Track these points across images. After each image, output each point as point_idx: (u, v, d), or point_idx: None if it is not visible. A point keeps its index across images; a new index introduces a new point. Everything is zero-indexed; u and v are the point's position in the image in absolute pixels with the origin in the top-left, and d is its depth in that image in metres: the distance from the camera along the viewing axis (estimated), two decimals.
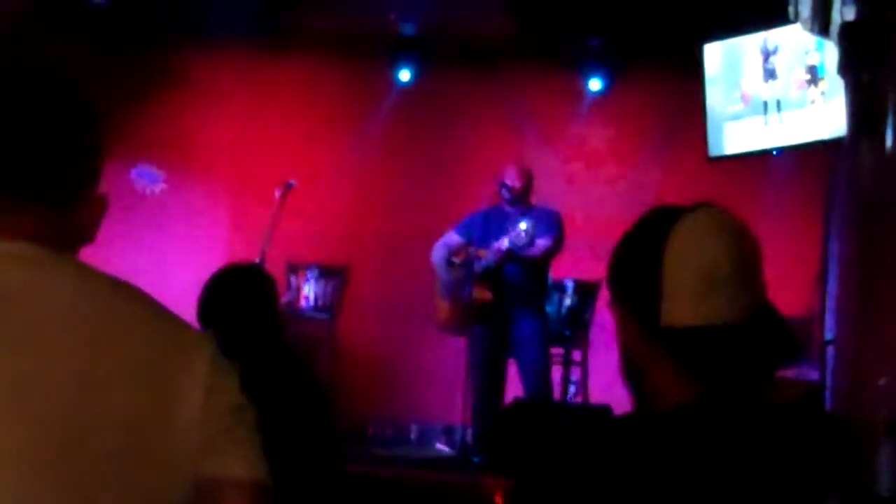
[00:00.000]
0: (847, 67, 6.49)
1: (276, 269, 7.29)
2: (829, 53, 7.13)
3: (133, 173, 9.40)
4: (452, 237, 8.47)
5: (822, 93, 7.64)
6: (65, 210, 1.75)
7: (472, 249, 8.28)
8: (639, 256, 1.96)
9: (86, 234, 1.79)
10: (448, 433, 9.27)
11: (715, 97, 8.45)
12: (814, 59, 7.66)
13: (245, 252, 8.67)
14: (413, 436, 9.63)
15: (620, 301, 2.00)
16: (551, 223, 8.10)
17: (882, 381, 8.37)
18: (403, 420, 9.74)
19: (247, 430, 1.74)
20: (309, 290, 9.43)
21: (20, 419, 1.57)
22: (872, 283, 8.89)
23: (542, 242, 7.93)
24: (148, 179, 9.35)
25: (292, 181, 8.89)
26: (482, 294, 8.21)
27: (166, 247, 9.91)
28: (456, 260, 8.44)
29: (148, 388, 1.65)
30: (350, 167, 10.14)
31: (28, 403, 1.58)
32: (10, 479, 1.55)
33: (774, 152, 8.48)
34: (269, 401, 1.91)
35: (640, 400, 2.00)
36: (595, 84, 10.08)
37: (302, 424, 4.10)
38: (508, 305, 8.17)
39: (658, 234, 1.93)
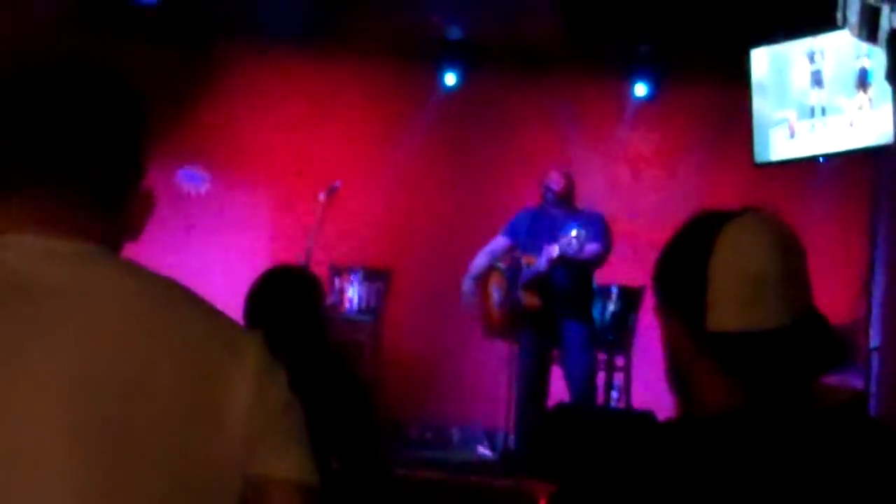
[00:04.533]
0: (895, 74, 6.45)
1: (320, 271, 7.30)
2: (877, 59, 7.09)
3: (179, 174, 9.47)
4: (499, 241, 8.48)
5: (870, 99, 7.60)
6: (115, 207, 1.76)
7: (519, 255, 8.29)
8: (685, 261, 1.95)
9: (132, 231, 1.80)
10: (490, 437, 9.27)
11: (761, 103, 8.43)
12: (863, 64, 7.63)
13: (289, 254, 8.69)
14: (455, 439, 9.63)
15: (666, 306, 2.00)
16: (600, 228, 8.08)
17: None
18: (445, 424, 9.75)
19: (295, 430, 1.75)
20: (353, 293, 9.44)
21: (75, 418, 1.58)
22: None
23: (591, 248, 7.90)
24: (193, 180, 9.42)
25: (337, 183, 8.91)
26: (531, 300, 8.20)
27: (210, 248, 9.95)
28: (502, 265, 8.45)
29: (199, 386, 1.66)
30: (395, 170, 10.15)
31: (83, 403, 1.59)
32: (65, 478, 1.56)
33: (821, 159, 8.44)
34: (314, 401, 1.92)
35: (685, 405, 2.00)
36: (641, 89, 10.05)
37: (347, 425, 4.12)
38: (556, 311, 8.16)
39: (704, 239, 1.92)
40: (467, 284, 8.56)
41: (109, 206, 1.75)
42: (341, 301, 9.38)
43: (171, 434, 1.62)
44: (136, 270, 1.73)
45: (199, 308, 1.75)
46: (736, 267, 1.89)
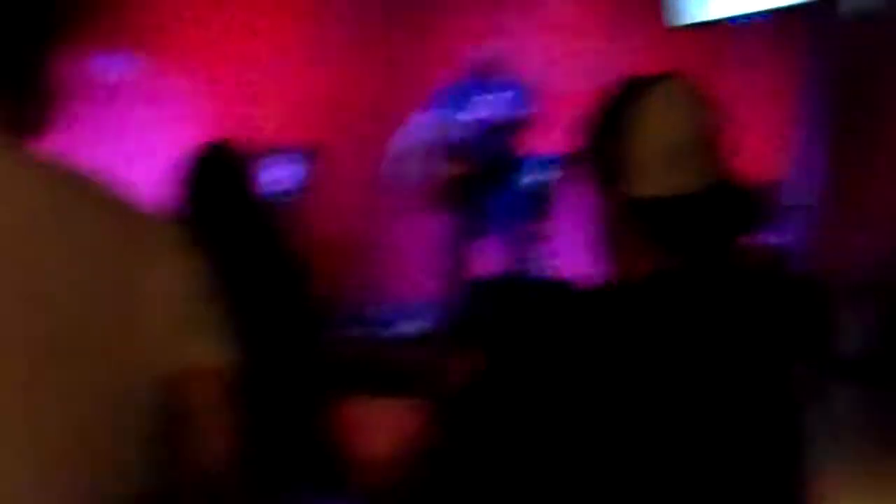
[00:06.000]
0: None
1: (248, 152, 7.24)
2: None
3: (95, 59, 9.31)
4: (424, 115, 8.45)
5: None
6: (22, 94, 1.68)
7: (444, 125, 8.27)
8: (607, 129, 1.97)
9: (35, 124, 1.71)
10: (422, 311, 9.31)
11: None
12: None
13: (213, 138, 8.60)
14: (385, 315, 9.66)
15: (590, 174, 2.01)
16: (522, 95, 8.09)
17: (854, 245, 8.45)
18: (374, 300, 9.77)
19: (214, 318, 1.73)
20: (279, 173, 9.39)
21: None
22: (844, 147, 8.94)
23: (512, 115, 7.92)
24: (116, 65, 9.27)
25: (260, 66, 8.85)
26: (455, 169, 8.20)
27: (132, 135, 9.83)
28: (427, 138, 8.43)
29: (113, 280, 1.62)
30: (319, 46, 10.04)
31: None
32: None
33: (742, 19, 8.45)
34: (253, 282, 1.91)
35: (611, 272, 2.02)
36: None
37: (285, 308, 4.11)
38: (483, 179, 8.18)
39: (625, 107, 1.94)
40: (394, 161, 8.55)
41: (9, 94, 1.66)
42: (268, 181, 9.32)
43: (85, 333, 1.59)
44: (39, 163, 1.66)
45: (110, 202, 1.70)
46: (657, 133, 1.90)
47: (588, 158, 2.02)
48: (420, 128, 8.45)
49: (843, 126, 8.78)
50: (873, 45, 8.51)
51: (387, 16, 10.11)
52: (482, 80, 8.19)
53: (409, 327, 9.09)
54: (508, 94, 7.85)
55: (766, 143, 9.22)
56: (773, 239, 8.30)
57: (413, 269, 9.43)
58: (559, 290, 2.02)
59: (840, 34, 8.43)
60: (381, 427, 1.87)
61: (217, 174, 4.22)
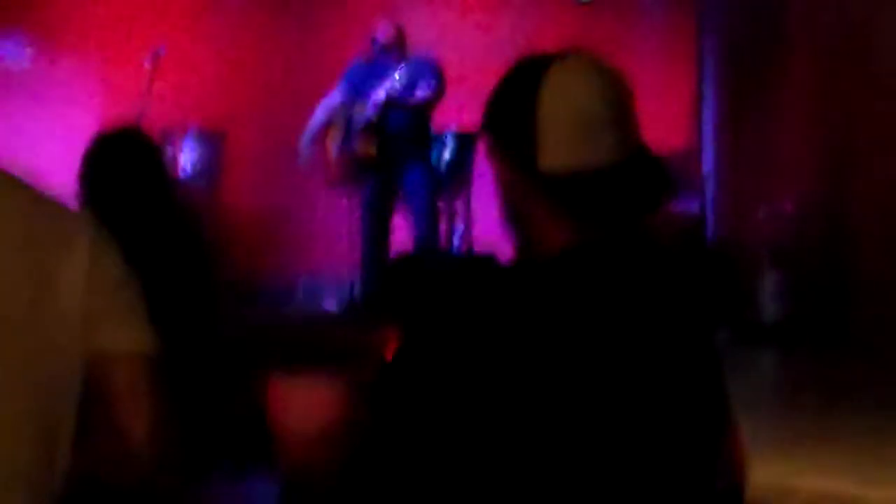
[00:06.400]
0: None
1: (153, 136, 7.18)
2: None
3: None
4: (333, 96, 8.43)
5: None
6: None
7: (352, 104, 8.25)
8: (513, 104, 1.96)
9: None
10: (339, 288, 9.29)
11: None
12: None
13: (117, 123, 8.51)
14: (301, 294, 9.64)
15: (498, 150, 2.00)
16: (429, 71, 8.09)
17: (762, 213, 8.54)
18: (291, 279, 9.74)
19: (131, 305, 1.73)
20: (187, 157, 9.32)
21: None
22: (748, 116, 9.02)
23: (420, 90, 7.93)
24: (12, 54, 9.15)
25: (161, 49, 8.76)
26: (366, 148, 8.20)
27: (34, 122, 9.71)
28: (337, 118, 8.41)
29: (28, 271, 1.62)
30: (221, 32, 9.98)
31: None
32: None
33: None
34: (161, 267, 1.91)
35: (523, 247, 2.02)
36: None
37: (190, 294, 4.08)
38: (393, 157, 8.17)
39: (531, 81, 1.93)
40: (304, 142, 8.53)
41: None
42: (175, 166, 9.24)
43: (10, 330, 1.59)
44: None
45: (18, 191, 1.70)
46: (563, 107, 1.90)
47: (496, 133, 2.02)
48: (329, 107, 8.43)
49: (740, 95, 8.88)
50: (767, 14, 8.61)
51: None
52: (388, 57, 8.18)
53: (328, 304, 9.09)
54: (414, 71, 7.86)
55: (672, 115, 9.29)
56: (684, 208, 8.38)
57: (330, 246, 9.40)
58: (474, 265, 2.03)
59: (734, 4, 8.52)
60: (304, 404, 1.87)
61: (123, 159, 4.16)
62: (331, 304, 9.12)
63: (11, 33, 9.43)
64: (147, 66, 8.68)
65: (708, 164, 9.23)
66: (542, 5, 9.85)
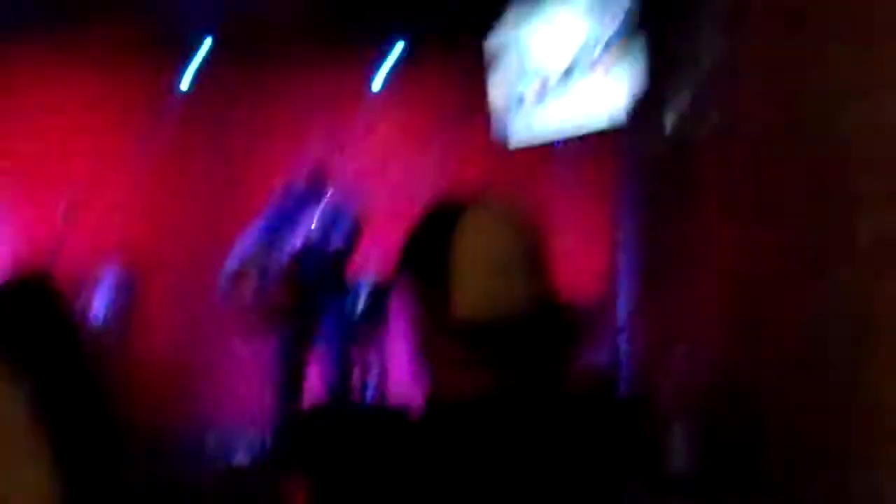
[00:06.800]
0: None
1: (64, 284, 7.13)
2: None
3: None
4: (247, 240, 8.40)
5: (608, 71, 7.78)
6: None
7: (266, 252, 8.23)
8: (427, 250, 1.97)
9: None
10: (248, 441, 9.18)
11: (500, 89, 8.56)
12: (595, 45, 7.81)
13: (28, 267, 8.45)
14: (211, 445, 9.51)
15: (411, 294, 2.00)
16: (346, 219, 8.10)
17: (677, 353, 8.59)
18: (202, 429, 9.62)
19: (34, 446, 1.69)
20: (99, 301, 9.25)
21: None
22: (662, 266, 9.11)
23: (336, 240, 7.93)
24: None
25: (73, 200, 8.75)
26: (280, 297, 8.16)
27: None
28: (251, 264, 8.37)
29: None
30: (136, 175, 9.97)
31: None
32: None
33: (556, 143, 8.62)
34: (63, 417, 1.86)
35: (434, 393, 2.00)
36: (377, 82, 10.16)
37: (92, 442, 4.00)
38: (309, 305, 8.14)
39: (445, 227, 1.94)
40: (223, 285, 8.48)
41: None
42: (87, 312, 9.17)
43: None
44: None
45: None
46: (476, 253, 1.90)
47: (409, 278, 2.01)
48: (244, 253, 8.39)
49: (654, 247, 8.98)
50: (684, 167, 8.74)
51: (209, 135, 10.13)
52: (306, 201, 8.19)
53: (238, 457, 8.97)
54: (332, 218, 7.87)
55: (589, 262, 9.36)
56: (598, 358, 8.41)
57: (243, 393, 9.31)
58: (386, 415, 2.02)
59: (651, 156, 8.64)
60: None
61: (27, 305, 4.12)
62: (241, 458, 9.00)
63: None
64: (61, 218, 8.65)
65: (622, 313, 9.28)
66: (463, 147, 9.94)
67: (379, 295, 8.83)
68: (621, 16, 7.24)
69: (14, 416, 1.68)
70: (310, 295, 8.14)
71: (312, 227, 7.81)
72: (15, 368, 1.73)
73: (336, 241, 7.95)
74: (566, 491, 1.89)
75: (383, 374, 8.88)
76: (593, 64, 7.90)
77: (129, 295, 9.40)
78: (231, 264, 8.43)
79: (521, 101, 8.43)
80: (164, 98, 10.13)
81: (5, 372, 1.70)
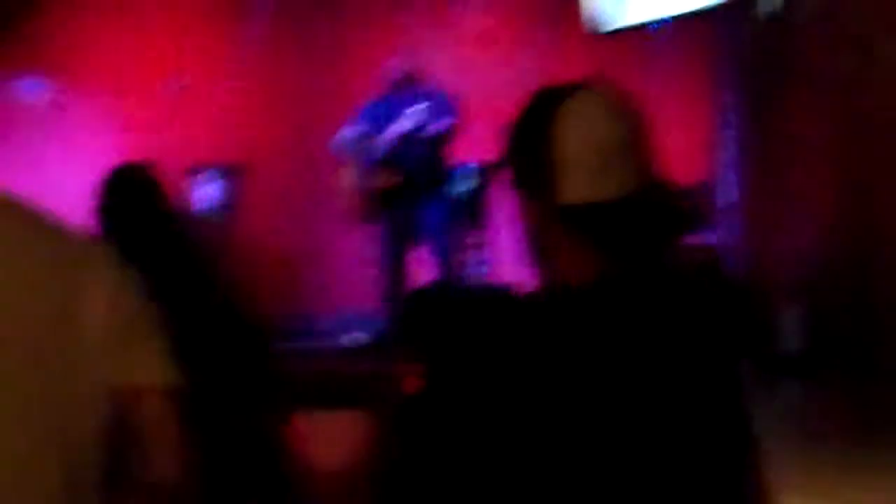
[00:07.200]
0: None
1: (171, 172, 7.22)
2: None
3: (16, 85, 9.24)
4: (351, 128, 8.43)
5: None
6: None
7: (369, 137, 8.26)
8: (530, 137, 1.96)
9: None
10: (361, 323, 9.28)
11: None
12: None
13: (140, 158, 8.55)
14: (324, 328, 9.63)
15: (517, 182, 2.01)
16: (445, 104, 8.10)
17: (783, 244, 8.52)
18: (313, 313, 9.74)
19: (153, 336, 1.74)
20: (206, 191, 9.34)
21: None
22: (767, 147, 9.02)
23: (437, 124, 7.93)
24: (33, 91, 9.20)
25: (184, 83, 8.79)
26: (384, 180, 8.20)
27: (57, 158, 9.76)
28: (355, 150, 8.40)
29: (52, 302, 1.63)
30: (240, 67, 10.02)
31: None
32: None
33: (653, 25, 8.51)
34: (176, 304, 1.92)
35: (545, 279, 2.01)
36: None
37: (216, 328, 4.10)
38: (412, 190, 8.18)
39: (546, 115, 1.93)
40: (330, 176, 8.50)
41: None
42: (196, 200, 9.27)
43: (31, 355, 1.60)
44: None
45: (43, 225, 1.71)
46: (579, 138, 1.90)
47: (513, 167, 2.02)
48: (346, 141, 8.43)
49: (758, 128, 8.87)
50: (782, 47, 8.61)
51: (305, 31, 10.12)
52: (403, 91, 8.19)
53: (350, 339, 9.07)
54: (431, 105, 7.87)
55: (690, 146, 9.30)
56: (705, 240, 8.37)
57: (351, 280, 9.40)
58: (497, 297, 2.03)
59: (750, 36, 8.52)
60: (330, 439, 1.88)
61: (130, 196, 4.22)
62: (353, 340, 9.11)
63: (31, 70, 9.50)
64: (168, 99, 8.71)
65: (727, 196, 9.21)
66: (560, 39, 9.87)
67: (482, 178, 8.85)
68: None
69: (128, 300, 1.74)
70: (412, 180, 8.17)
71: (413, 113, 7.81)
72: (125, 252, 1.78)
73: (436, 126, 7.96)
74: (680, 372, 1.90)
75: (488, 256, 8.92)
76: None
77: (234, 185, 9.49)
78: (334, 151, 8.48)
79: None
80: None
81: (117, 258, 1.74)
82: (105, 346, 1.66)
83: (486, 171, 8.79)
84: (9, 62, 9.08)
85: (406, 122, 7.85)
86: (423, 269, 8.30)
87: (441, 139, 8.13)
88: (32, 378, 1.60)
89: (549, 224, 1.95)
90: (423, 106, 7.79)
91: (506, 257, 8.38)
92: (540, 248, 1.99)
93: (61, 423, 1.63)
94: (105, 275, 1.69)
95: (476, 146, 8.76)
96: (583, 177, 1.89)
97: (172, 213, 4.48)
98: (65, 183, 9.08)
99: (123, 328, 1.68)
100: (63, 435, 1.63)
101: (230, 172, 9.47)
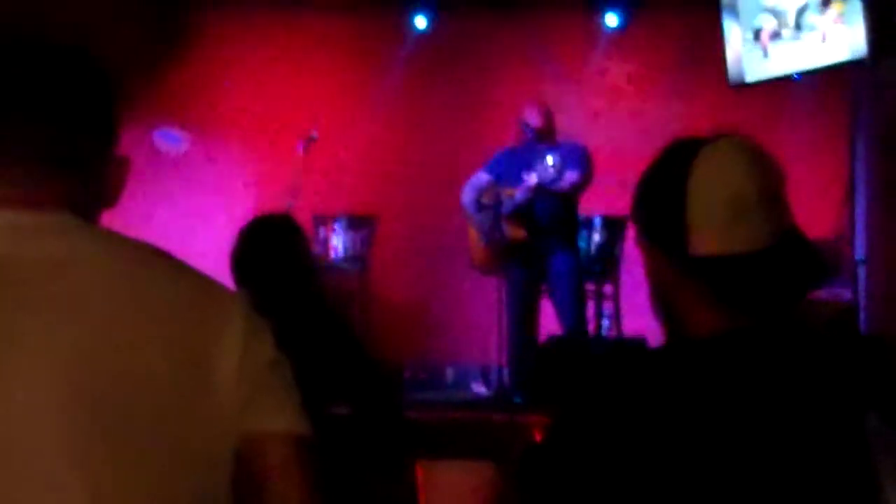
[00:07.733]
0: None
1: (303, 222, 7.31)
2: None
3: (156, 135, 9.43)
4: (480, 177, 8.43)
5: (842, 14, 7.59)
6: (90, 175, 1.75)
7: (500, 188, 8.26)
8: (663, 189, 1.96)
9: (108, 199, 1.79)
10: (485, 374, 9.29)
11: (732, 24, 8.42)
12: None
13: (271, 208, 8.67)
14: (449, 379, 9.64)
15: (647, 234, 2.01)
16: (578, 156, 8.07)
17: None
18: (439, 364, 9.76)
19: (284, 385, 1.76)
20: (337, 242, 9.40)
21: (72, 399, 1.57)
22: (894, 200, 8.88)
23: (570, 176, 7.90)
24: (171, 140, 9.39)
25: (314, 133, 8.88)
26: (515, 232, 8.20)
27: (193, 207, 9.93)
28: (485, 200, 8.40)
29: (188, 353, 1.66)
30: (372, 117, 10.12)
31: (77, 382, 1.58)
32: (66, 447, 1.57)
33: (795, 76, 8.43)
34: (308, 352, 1.94)
35: (672, 332, 2.01)
36: (612, 19, 10.05)
37: (349, 374, 4.14)
38: (541, 242, 8.17)
39: (681, 166, 1.93)
40: (472, 213, 8.50)
41: (84, 174, 1.74)
42: (326, 250, 9.34)
43: (164, 403, 1.63)
44: (113, 239, 1.72)
45: (181, 273, 1.75)
46: (714, 189, 1.89)
47: (646, 219, 2.02)
48: (477, 187, 8.44)
49: (893, 180, 8.74)
50: None
51: (438, 82, 10.19)
52: (537, 142, 8.19)
53: (479, 389, 9.09)
54: (565, 157, 7.85)
55: (824, 200, 9.19)
56: (836, 295, 8.26)
57: (481, 331, 9.40)
58: (626, 350, 2.02)
59: (885, 90, 8.41)
60: (454, 489, 1.88)
61: (267, 245, 4.27)
62: (479, 390, 9.12)
63: (172, 122, 9.69)
64: (300, 151, 8.81)
65: (861, 250, 9.09)
66: (692, 90, 9.83)
67: (612, 229, 8.82)
68: None
69: (262, 348, 1.76)
70: (543, 231, 8.16)
71: (548, 164, 7.79)
72: (259, 300, 1.80)
73: (569, 179, 7.94)
74: (808, 425, 1.88)
75: (618, 308, 8.88)
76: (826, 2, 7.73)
77: (366, 234, 9.55)
78: (466, 196, 8.49)
79: (756, 38, 8.27)
80: (400, 39, 10.25)
81: (251, 307, 1.77)
82: (237, 395, 1.68)
83: (616, 223, 8.76)
84: (151, 113, 9.27)
85: (539, 173, 7.83)
86: (549, 320, 8.27)
87: (573, 191, 8.11)
88: (170, 424, 1.63)
89: (678, 278, 1.94)
90: (555, 157, 7.77)
91: (635, 310, 8.32)
92: (667, 301, 1.99)
93: (194, 470, 1.66)
94: (240, 324, 1.72)
95: (608, 198, 8.75)
96: (714, 230, 1.89)
97: (313, 263, 4.54)
98: (201, 232, 9.24)
99: (256, 377, 1.71)
100: (195, 482, 1.66)
101: (360, 223, 9.53)
